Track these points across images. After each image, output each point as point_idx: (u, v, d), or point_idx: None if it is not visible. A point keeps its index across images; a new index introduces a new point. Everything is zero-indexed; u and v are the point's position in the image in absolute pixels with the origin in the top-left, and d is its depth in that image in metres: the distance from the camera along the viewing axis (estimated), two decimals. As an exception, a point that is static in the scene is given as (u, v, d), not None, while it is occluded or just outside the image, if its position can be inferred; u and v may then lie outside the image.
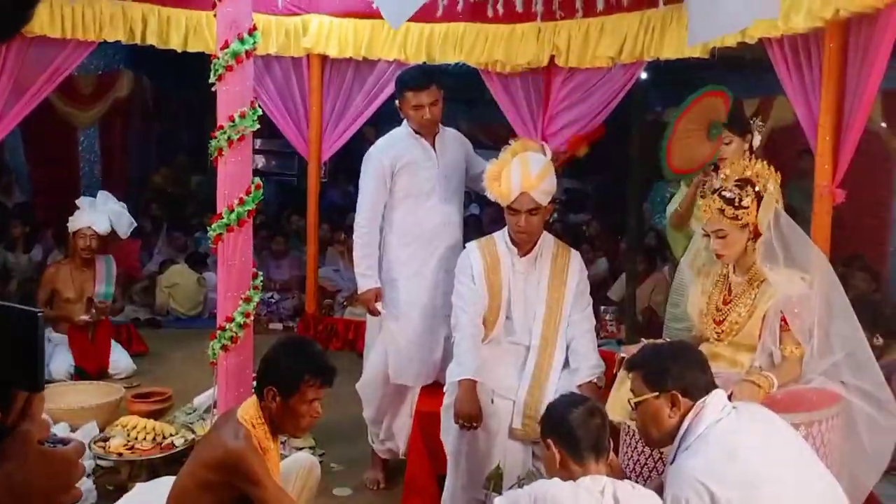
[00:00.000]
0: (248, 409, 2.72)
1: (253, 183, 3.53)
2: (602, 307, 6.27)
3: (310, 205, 6.15)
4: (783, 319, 2.84)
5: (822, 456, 2.60)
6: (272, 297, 7.05)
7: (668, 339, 3.26)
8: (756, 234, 2.91)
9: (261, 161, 11.42)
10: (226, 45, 3.41)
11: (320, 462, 3.99)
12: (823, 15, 3.40)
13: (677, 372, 2.36)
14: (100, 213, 5.46)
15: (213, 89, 3.48)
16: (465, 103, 9.96)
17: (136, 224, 5.79)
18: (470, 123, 10.19)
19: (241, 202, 3.47)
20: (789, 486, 2.18)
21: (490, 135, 9.41)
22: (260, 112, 3.52)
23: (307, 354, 2.71)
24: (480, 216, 9.12)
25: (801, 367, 2.84)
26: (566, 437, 2.35)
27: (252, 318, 3.54)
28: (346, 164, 9.06)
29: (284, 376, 2.66)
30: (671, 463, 2.33)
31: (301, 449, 4.02)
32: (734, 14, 2.89)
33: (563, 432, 2.36)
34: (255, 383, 2.82)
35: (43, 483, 1.09)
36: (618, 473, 2.49)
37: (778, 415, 2.43)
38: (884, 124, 6.57)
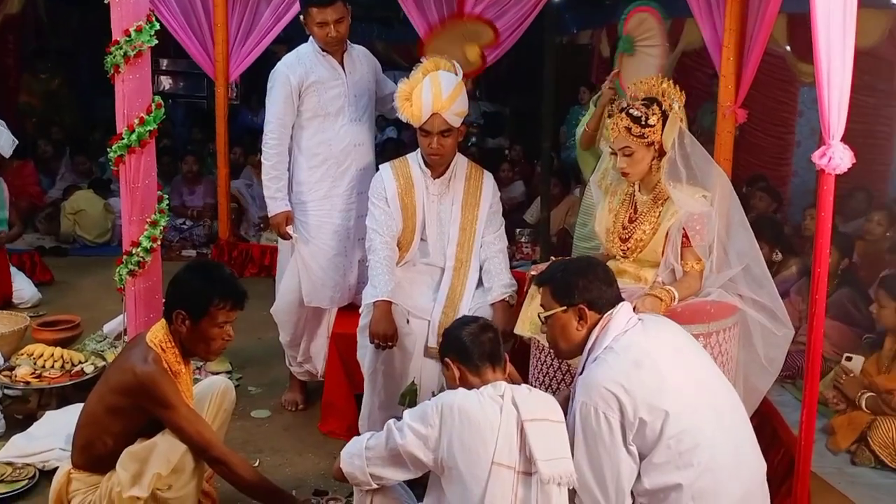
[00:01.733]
0: (157, 333, 2.68)
1: (154, 101, 3.38)
2: (518, 229, 6.36)
3: (218, 127, 5.96)
4: (685, 236, 2.94)
5: (720, 364, 2.74)
6: (184, 223, 6.88)
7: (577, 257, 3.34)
8: (661, 153, 2.97)
9: (167, 83, 10.98)
10: (117, -45, 3.21)
11: (237, 386, 4.03)
12: (729, -67, 3.42)
13: (584, 286, 2.44)
14: (-23, 134, 5.14)
15: (106, 2, 3.29)
16: (380, 23, 9.74)
17: (17, 142, 5.40)
18: (386, 43, 9.99)
19: (142, 122, 3.33)
20: (691, 391, 2.30)
21: (407, 55, 9.25)
22: (158, 26, 3.34)
23: (216, 277, 2.68)
24: (400, 138, 9.03)
25: (700, 281, 2.95)
26: (462, 352, 2.43)
27: (159, 242, 3.45)
28: (259, 85, 8.79)
29: (193, 299, 2.62)
30: (580, 374, 2.42)
31: (217, 373, 4.00)
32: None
33: (459, 349, 2.44)
34: (164, 307, 2.77)
35: None
36: (516, 382, 2.58)
37: (679, 325, 2.55)
38: (788, 48, 6.74)
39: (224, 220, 6.14)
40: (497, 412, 2.28)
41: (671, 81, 3.08)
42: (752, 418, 2.73)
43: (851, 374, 3.60)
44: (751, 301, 2.93)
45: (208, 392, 2.96)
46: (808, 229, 5.20)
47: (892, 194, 6.40)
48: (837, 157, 2.30)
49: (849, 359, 3.67)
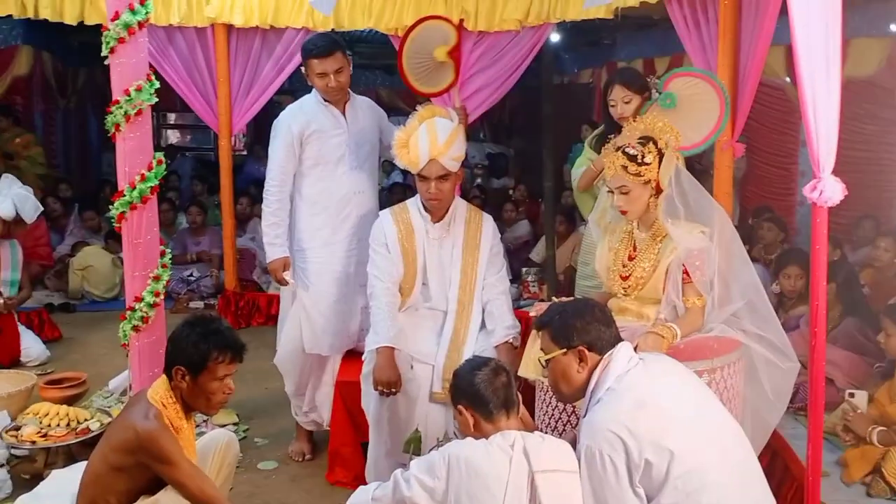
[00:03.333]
0: (158, 389, 2.68)
1: (155, 158, 3.43)
2: (524, 269, 6.36)
3: (223, 178, 6.02)
4: (685, 272, 2.93)
5: (725, 400, 2.71)
6: (191, 274, 6.91)
7: (579, 297, 3.32)
8: (658, 190, 2.98)
9: (175, 136, 11.14)
10: (116, 17, 3.27)
11: (244, 438, 4.02)
12: (717, -28, 3.47)
13: (582, 328, 2.43)
14: (3, 198, 5.23)
15: (105, 63, 3.36)
16: (383, 70, 9.88)
17: (42, 209, 5.55)
18: (389, 90, 10.12)
19: (143, 178, 3.37)
20: (696, 430, 2.27)
21: (410, 101, 9.36)
22: (158, 85, 3.40)
23: (213, 331, 2.67)
24: (406, 182, 9.08)
25: (703, 317, 2.93)
26: (475, 399, 2.40)
27: (162, 296, 3.47)
28: (265, 136, 8.90)
29: (191, 355, 2.62)
30: (584, 417, 2.40)
31: (224, 426, 3.99)
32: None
33: (471, 395, 2.41)
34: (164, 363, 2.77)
35: None
36: (529, 427, 2.55)
37: (682, 363, 2.52)
38: (788, 79, 6.77)
39: (231, 271, 6.17)
40: (506, 463, 2.25)
41: (666, 119, 3.09)
42: (763, 453, 2.70)
43: (858, 411, 3.54)
44: (755, 335, 2.91)
45: (211, 446, 2.95)
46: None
47: (898, 221, 6.36)
48: (829, 190, 2.30)
49: (852, 395, 3.62)
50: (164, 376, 2.72)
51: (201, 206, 7.62)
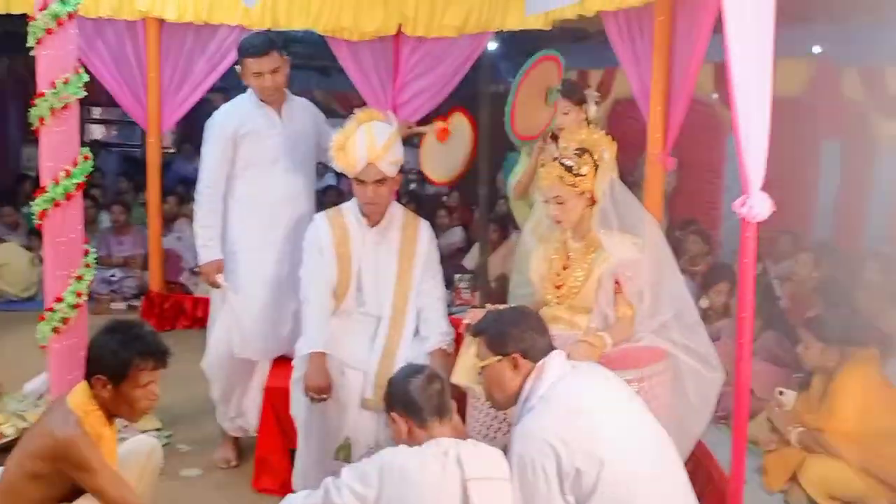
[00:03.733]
0: (79, 396, 2.59)
1: (81, 154, 3.31)
2: (457, 275, 6.36)
3: (150, 177, 5.86)
4: (617, 282, 2.98)
5: (653, 409, 2.74)
6: (113, 274, 6.70)
7: (512, 304, 3.34)
8: (592, 202, 3.02)
9: (100, 131, 10.81)
10: (45, 7, 3.16)
11: (168, 444, 3.90)
12: (654, -11, 3.55)
13: (517, 335, 2.45)
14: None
15: (31, 54, 3.23)
16: (319, 71, 9.78)
17: None
18: (324, 92, 10.03)
19: (68, 174, 3.25)
20: (625, 439, 2.30)
21: (345, 104, 9.30)
22: (86, 78, 3.29)
23: (135, 337, 2.58)
24: (339, 186, 9.01)
25: (633, 326, 2.99)
26: (409, 406, 2.40)
27: (84, 297, 3.35)
28: (195, 135, 8.70)
29: (112, 363, 2.54)
30: (516, 424, 2.41)
31: (146, 431, 3.86)
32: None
33: (405, 402, 2.41)
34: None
35: None
36: (462, 434, 2.55)
37: (612, 372, 2.56)
38: (716, 95, 6.99)
39: (155, 272, 6.00)
40: (439, 471, 2.25)
41: (602, 131, 3.15)
42: (686, 462, 2.76)
43: (784, 408, 3.67)
44: (682, 346, 2.97)
45: (133, 453, 2.85)
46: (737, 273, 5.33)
47: (817, 237, 6.63)
48: (757, 206, 2.37)
49: (781, 392, 3.75)
50: (84, 382, 2.62)
51: (125, 205, 7.40)
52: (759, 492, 3.52)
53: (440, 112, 5.02)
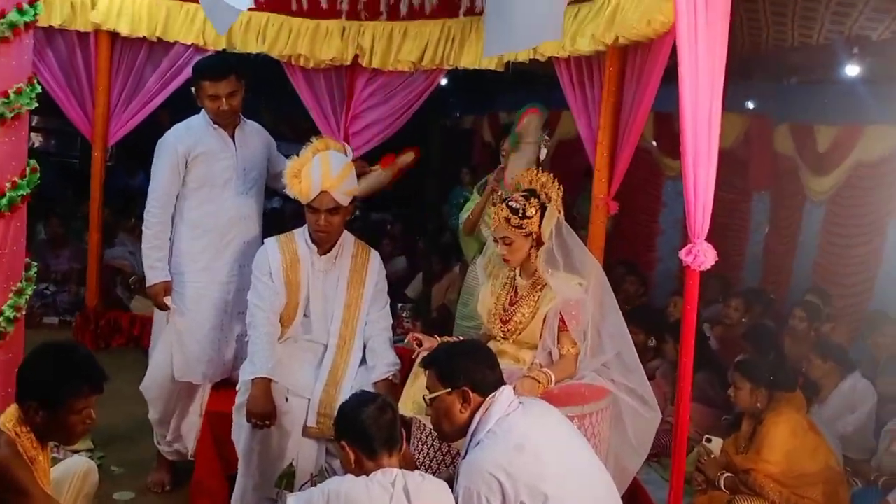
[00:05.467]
0: (11, 417, 2.51)
1: (29, 165, 3.25)
2: (399, 304, 6.39)
3: (93, 190, 5.73)
4: (562, 320, 3.07)
5: (593, 445, 2.84)
6: (47, 288, 6.51)
7: (459, 337, 3.41)
8: (539, 242, 3.12)
9: (38, 140, 10.53)
10: (2, 14, 3.11)
11: (100, 465, 3.80)
12: (605, 40, 3.70)
13: (468, 369, 2.50)
14: None
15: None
16: (267, 94, 9.75)
17: None
18: (273, 115, 9.98)
19: (14, 186, 3.18)
20: (569, 475, 2.37)
21: (293, 127, 9.27)
22: (39, 89, 3.25)
23: (69, 363, 2.52)
24: (282, 210, 8.97)
25: (576, 364, 3.08)
26: (359, 436, 2.41)
27: (24, 311, 3.27)
28: (137, 147, 8.54)
29: (45, 391, 2.47)
30: (463, 457, 2.45)
31: (78, 452, 3.76)
32: (525, 33, 3.07)
33: (355, 432, 2.42)
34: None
35: None
36: (410, 465, 2.58)
37: (555, 408, 2.63)
38: (654, 143, 7.25)
39: (92, 287, 5.85)
40: (386, 501, 2.27)
41: (550, 174, 3.26)
42: (622, 498, 2.83)
43: (712, 456, 3.79)
44: (622, 385, 3.07)
45: (67, 475, 2.80)
46: (671, 315, 5.51)
47: (746, 283, 6.89)
48: (702, 255, 2.49)
49: (708, 440, 3.86)
50: (15, 405, 2.54)
51: (62, 218, 7.22)
52: (689, 529, 3.63)
53: (392, 144, 5.12)
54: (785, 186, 6.97)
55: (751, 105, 7.23)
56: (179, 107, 3.84)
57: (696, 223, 2.47)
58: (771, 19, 5.30)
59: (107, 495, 3.63)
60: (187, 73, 5.32)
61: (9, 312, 3.21)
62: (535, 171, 3.30)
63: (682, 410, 2.63)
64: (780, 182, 7.02)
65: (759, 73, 6.75)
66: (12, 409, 2.53)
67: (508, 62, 4.69)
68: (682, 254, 2.49)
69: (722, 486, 3.66)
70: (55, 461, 2.89)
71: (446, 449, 2.92)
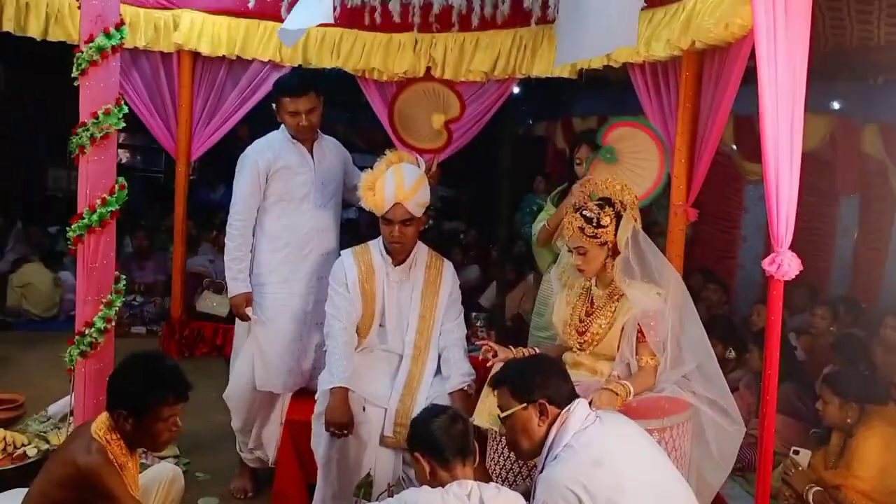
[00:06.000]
0: (102, 425, 2.61)
1: (118, 183, 3.39)
2: (473, 314, 6.38)
3: (177, 204, 5.94)
4: (640, 331, 3.01)
5: (674, 459, 2.78)
6: (135, 299, 6.76)
7: (534, 348, 3.37)
8: (615, 252, 3.07)
9: (125, 156, 10.95)
10: (90, 40, 3.26)
11: (185, 472, 3.91)
12: (681, 45, 3.63)
13: (542, 382, 2.47)
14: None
15: (75, 84, 3.32)
16: (343, 107, 9.93)
17: None
18: (347, 127, 10.16)
19: (104, 202, 3.32)
20: (648, 490, 2.31)
21: (367, 140, 9.41)
22: (126, 110, 3.38)
23: (156, 373, 2.61)
24: (358, 220, 9.10)
25: (655, 376, 3.01)
26: (432, 447, 2.41)
27: (113, 323, 3.40)
28: (218, 163, 8.81)
29: (133, 400, 2.56)
30: (540, 472, 2.42)
31: (164, 458, 3.89)
32: (598, 40, 3.04)
33: (428, 443, 2.42)
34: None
35: None
36: (483, 476, 2.57)
37: (634, 421, 2.58)
38: (735, 147, 7.06)
39: (177, 298, 6.05)
40: None
41: (625, 182, 3.20)
42: (705, 514, 2.76)
43: (800, 469, 3.66)
44: (704, 398, 2.99)
45: (156, 481, 2.89)
46: (755, 324, 5.35)
47: (834, 290, 6.63)
48: (786, 264, 2.41)
49: (796, 452, 3.74)
50: (106, 413, 2.65)
51: (148, 231, 7.49)
52: (775, 545, 3.51)
53: (463, 155, 5.14)
54: (874, 189, 6.69)
55: (836, 105, 6.96)
56: (258, 122, 3.94)
57: (779, 232, 2.39)
58: (855, 17, 5.11)
59: (192, 501, 3.72)
60: (265, 88, 5.48)
61: (100, 324, 3.35)
62: (610, 179, 3.25)
63: (768, 423, 2.55)
64: (869, 185, 6.74)
65: (843, 72, 6.49)
66: (103, 417, 2.64)
67: (581, 69, 4.66)
68: (766, 263, 2.41)
69: (811, 500, 3.53)
70: (143, 467, 2.99)
71: (523, 462, 2.89)
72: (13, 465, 3.56)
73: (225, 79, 5.72)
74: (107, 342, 3.40)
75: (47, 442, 3.81)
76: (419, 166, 3.56)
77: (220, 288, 6.38)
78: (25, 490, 2.68)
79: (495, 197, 6.50)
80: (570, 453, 2.35)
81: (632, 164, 3.87)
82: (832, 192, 6.88)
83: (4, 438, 3.68)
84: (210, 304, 6.28)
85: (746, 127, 6.49)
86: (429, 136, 3.89)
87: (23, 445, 3.69)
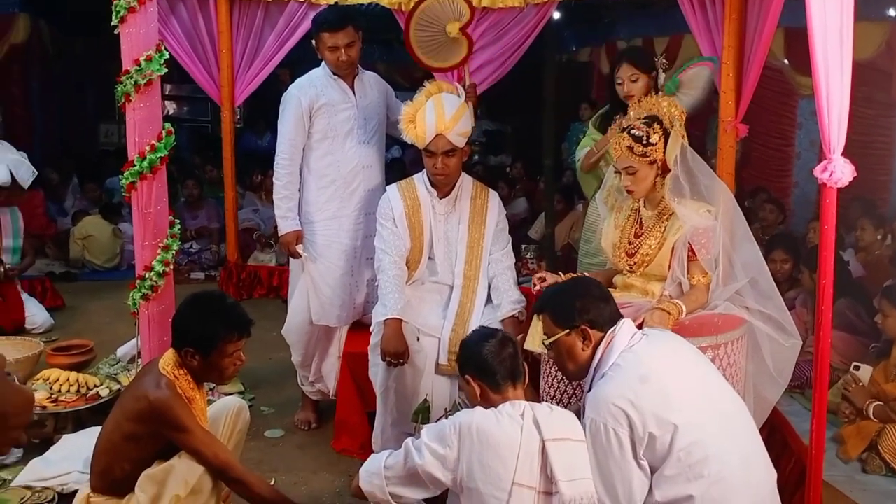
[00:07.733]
0: (169, 361, 2.71)
1: (164, 129, 3.45)
2: (523, 245, 6.41)
3: (225, 151, 6.02)
4: (690, 250, 2.98)
5: (729, 376, 2.77)
6: (191, 246, 6.93)
7: (581, 273, 3.37)
8: (664, 170, 3.02)
9: (172, 107, 11.08)
10: (128, -14, 3.29)
11: (251, 406, 4.06)
12: (726, -46, 3.49)
13: (582, 307, 2.47)
14: (-2, 163, 5.22)
15: (115, 32, 3.36)
16: (381, 44, 9.84)
17: (37, 173, 5.51)
18: (387, 65, 10.08)
19: (153, 149, 3.40)
20: (698, 404, 2.32)
21: (407, 77, 9.34)
22: (167, 55, 3.42)
23: (219, 311, 2.69)
24: (402, 158, 9.11)
25: (707, 294, 2.99)
26: (482, 369, 2.45)
27: (172, 266, 3.51)
28: (262, 109, 8.87)
29: (199, 337, 2.65)
30: (588, 391, 2.45)
31: (230, 394, 4.03)
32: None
33: (478, 365, 2.46)
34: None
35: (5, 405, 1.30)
36: (534, 397, 2.61)
37: (686, 339, 2.58)
38: (786, 61, 6.81)
39: (232, 243, 6.18)
40: (517, 432, 2.30)
41: (671, 99, 3.13)
42: (762, 429, 2.76)
43: (860, 384, 3.63)
44: (758, 313, 2.96)
45: (222, 413, 2.99)
46: (811, 241, 5.24)
47: (894, 204, 6.44)
48: (839, 171, 2.34)
49: (857, 368, 3.70)
50: (172, 350, 2.75)
51: (198, 180, 7.62)
52: (835, 460, 3.50)
53: (506, 83, 5.03)
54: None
55: (892, 12, 6.64)
56: (299, 66, 3.93)
57: (830, 137, 2.31)
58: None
59: (259, 433, 3.88)
60: (303, 29, 5.46)
61: (159, 267, 3.46)
62: (656, 97, 3.18)
63: (823, 337, 2.51)
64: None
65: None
66: (169, 354, 2.74)
67: (622, -13, 4.53)
68: (817, 171, 2.35)
69: (871, 414, 3.50)
70: (210, 403, 3.11)
71: (576, 384, 2.92)
72: (87, 406, 3.73)
73: (263, 21, 5.72)
74: (167, 285, 3.52)
75: (118, 382, 3.98)
76: (459, 96, 3.52)
77: (267, 244, 6.52)
78: (100, 428, 2.82)
79: (540, 128, 6.42)
80: (616, 371, 2.36)
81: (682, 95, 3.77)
82: (889, 103, 6.60)
83: (77, 381, 3.84)
84: (259, 261, 6.44)
85: (798, 39, 6.25)
86: (451, 51, 3.82)
87: (95, 387, 3.85)
